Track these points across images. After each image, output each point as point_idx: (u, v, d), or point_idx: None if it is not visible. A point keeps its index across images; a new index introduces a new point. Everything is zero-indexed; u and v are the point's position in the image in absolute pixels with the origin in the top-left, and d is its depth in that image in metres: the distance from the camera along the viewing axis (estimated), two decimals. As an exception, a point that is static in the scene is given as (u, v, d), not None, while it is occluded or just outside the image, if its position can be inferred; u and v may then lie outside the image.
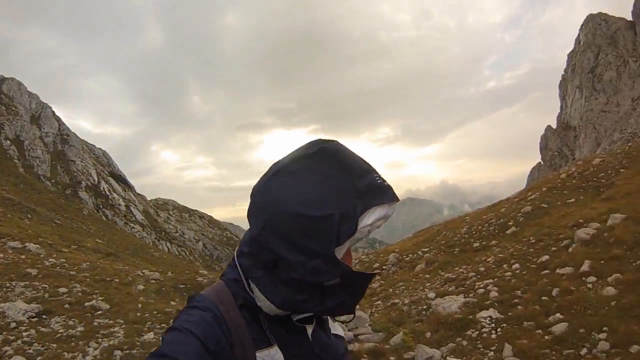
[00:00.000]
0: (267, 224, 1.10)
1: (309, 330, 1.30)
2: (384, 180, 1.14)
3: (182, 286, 17.75)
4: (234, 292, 1.22)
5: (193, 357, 1.05)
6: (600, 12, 68.52)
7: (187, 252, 51.96)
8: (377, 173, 1.14)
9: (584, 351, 6.67)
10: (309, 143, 1.18)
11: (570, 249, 11.13)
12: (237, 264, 1.24)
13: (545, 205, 17.64)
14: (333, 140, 1.17)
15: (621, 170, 19.01)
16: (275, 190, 1.11)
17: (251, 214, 1.16)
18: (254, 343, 1.18)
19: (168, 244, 51.13)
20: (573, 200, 17.38)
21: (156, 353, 1.06)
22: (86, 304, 13.21)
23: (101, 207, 50.87)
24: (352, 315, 1.26)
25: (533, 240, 13.23)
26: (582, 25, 69.45)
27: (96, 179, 54.30)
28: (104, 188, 54.22)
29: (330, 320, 1.43)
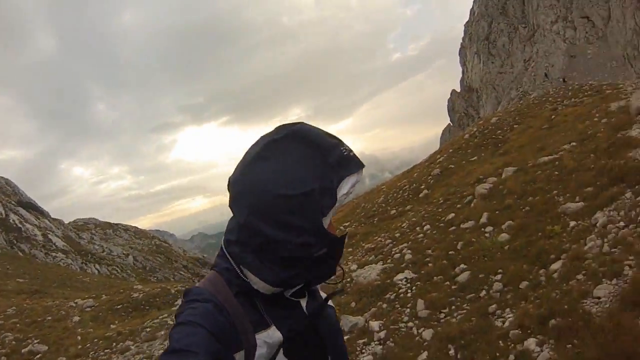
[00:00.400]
0: (252, 209, 1.13)
1: (303, 303, 1.34)
2: (350, 151, 1.19)
3: (118, 307, 17.19)
4: (227, 280, 1.24)
5: (204, 347, 1.06)
6: (491, -16, 72.14)
7: (118, 269, 47.73)
8: (343, 145, 1.19)
9: (482, 293, 7.15)
10: (276, 128, 1.22)
11: (472, 205, 11.75)
12: (227, 253, 1.26)
13: (452, 166, 18.51)
14: (298, 122, 1.21)
15: (514, 126, 20.27)
16: (253, 176, 1.14)
17: (234, 203, 1.20)
18: (253, 326, 1.20)
19: (97, 265, 46.23)
20: (476, 158, 18.37)
21: (169, 350, 1.06)
22: (23, 350, 12.64)
23: (15, 242, 45.21)
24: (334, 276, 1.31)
25: (442, 201, 13.82)
26: (475, -3, 72.85)
27: (3, 212, 48.28)
28: (13, 220, 48.18)
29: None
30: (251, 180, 1.14)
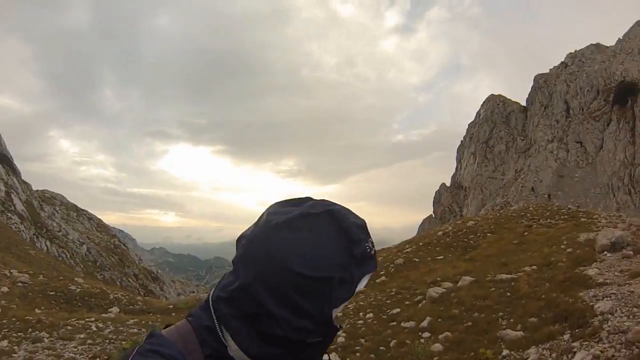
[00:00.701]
0: (261, 276, 1.03)
1: None
2: (374, 248, 1.11)
3: (51, 293, 16.24)
4: (201, 341, 1.09)
5: None
6: (500, 94, 75.63)
7: (68, 254, 43.61)
8: (370, 241, 1.11)
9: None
10: (313, 203, 1.13)
11: (420, 305, 11.43)
12: (212, 309, 1.11)
13: (417, 260, 18.23)
14: (332, 203, 1.13)
15: (488, 234, 20.19)
16: (275, 243, 1.04)
17: (242, 260, 1.07)
18: None
19: (48, 242, 43.42)
20: (442, 257, 18.13)
21: None
22: None
23: (-25, 185, 40.96)
24: None
25: (394, 292, 13.48)
26: (483, 102, 76.29)
27: (-26, 154, 43.67)
28: (-19, 165, 43.71)
29: None
30: (271, 246, 1.04)
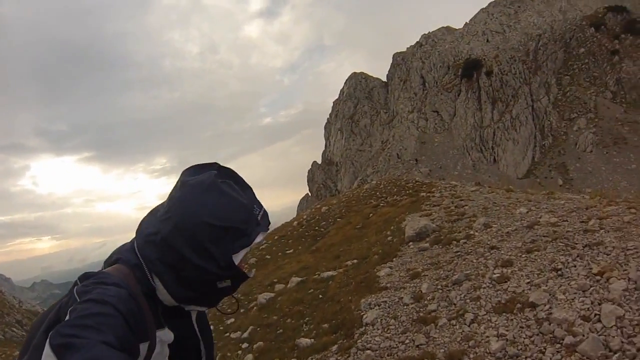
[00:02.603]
0: (178, 227, 1.21)
1: (194, 315, 1.43)
2: (262, 210, 1.34)
3: None
4: (137, 278, 1.24)
5: (115, 329, 1.01)
6: (362, 72, 77.57)
7: None
8: (262, 207, 1.34)
9: None
10: (219, 167, 1.35)
11: (251, 313, 10.85)
12: (139, 254, 1.27)
13: (268, 257, 17.59)
14: (236, 173, 1.36)
15: (338, 219, 19.99)
16: (191, 201, 1.22)
17: (165, 217, 1.24)
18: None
19: None
20: (292, 251, 17.63)
21: (74, 324, 0.98)
22: None
23: None
24: None
25: (234, 301, 12.75)
26: (346, 80, 77.79)
27: None
28: None
29: None
30: (189, 204, 1.22)
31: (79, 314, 1.01)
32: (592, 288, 5.27)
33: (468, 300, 6.22)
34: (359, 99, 72.70)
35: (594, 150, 52.42)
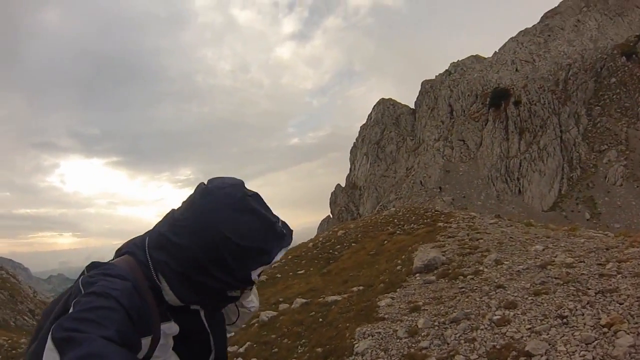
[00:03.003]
0: (199, 235, 1.19)
1: (202, 312, 1.39)
2: (284, 227, 1.33)
3: None
4: (143, 272, 1.23)
5: (117, 324, 1.00)
6: (391, 98, 77.60)
7: None
8: (280, 221, 1.33)
9: None
10: (244, 188, 1.30)
11: (251, 329, 10.65)
12: (147, 252, 1.26)
13: (279, 276, 17.32)
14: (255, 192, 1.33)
15: (353, 244, 19.61)
16: (216, 212, 1.21)
17: (189, 217, 1.23)
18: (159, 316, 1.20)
19: None
20: (303, 271, 17.34)
21: (76, 317, 0.97)
22: None
23: None
24: None
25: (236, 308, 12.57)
26: (375, 105, 77.86)
27: None
28: None
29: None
30: (214, 215, 1.20)
31: (82, 307, 1.00)
32: (596, 341, 4.81)
33: (462, 341, 5.84)
34: (386, 124, 72.53)
35: (624, 184, 50.34)
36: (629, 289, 6.10)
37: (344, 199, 70.06)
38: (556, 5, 79.18)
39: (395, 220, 22.85)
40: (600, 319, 5.30)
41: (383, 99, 77.38)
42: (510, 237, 12.85)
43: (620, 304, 5.65)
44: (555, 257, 9.05)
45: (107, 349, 0.91)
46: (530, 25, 76.83)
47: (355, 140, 79.00)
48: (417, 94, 74.44)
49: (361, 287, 11.21)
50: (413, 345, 6.31)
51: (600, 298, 5.97)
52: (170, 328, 1.25)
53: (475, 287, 7.96)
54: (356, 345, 6.86)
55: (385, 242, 18.12)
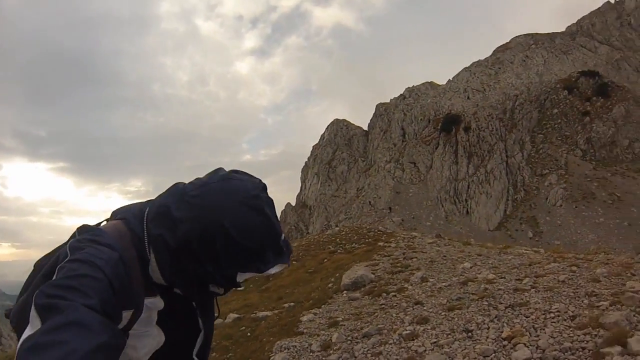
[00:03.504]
0: (199, 220, 1.12)
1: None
2: (287, 247, 1.23)
3: None
4: (133, 242, 1.18)
5: (99, 293, 0.98)
6: (345, 119, 78.52)
7: None
8: (286, 239, 1.24)
9: None
10: (263, 190, 1.23)
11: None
12: (145, 223, 1.21)
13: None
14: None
15: (294, 262, 19.31)
16: (228, 202, 1.13)
17: (192, 202, 1.15)
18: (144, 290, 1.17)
19: None
20: (242, 288, 16.87)
21: (58, 284, 0.96)
22: None
23: None
24: None
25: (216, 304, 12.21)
26: (328, 125, 78.39)
27: None
28: None
29: None
30: (224, 203, 1.13)
31: (65, 274, 0.99)
32: (494, 354, 4.78)
33: (369, 355, 5.79)
34: (339, 145, 72.97)
35: (564, 205, 53.02)
36: (539, 303, 6.15)
37: (294, 218, 69.68)
38: (507, 41, 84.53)
39: (338, 240, 22.77)
40: (502, 332, 5.27)
41: (337, 119, 77.88)
42: (444, 256, 12.98)
43: (527, 317, 5.67)
44: (480, 274, 9.15)
45: (89, 317, 0.90)
46: (482, 58, 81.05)
47: (307, 160, 78.84)
48: (371, 116, 75.57)
49: (292, 304, 11.07)
50: (323, 358, 6.20)
51: (508, 312, 5.99)
52: (154, 303, 1.21)
53: (395, 304, 7.92)
54: (272, 358, 6.77)
55: (325, 260, 17.99)
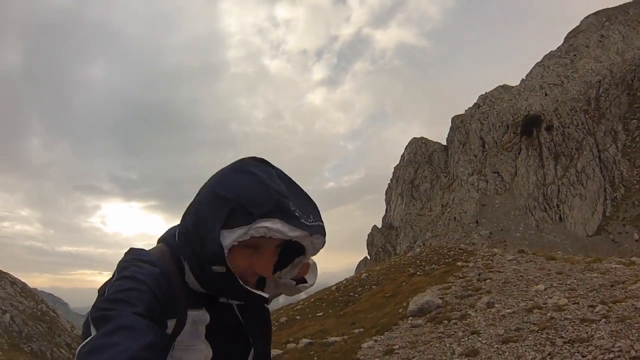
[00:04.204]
0: (193, 203, 1.23)
1: (235, 305, 1.33)
2: (297, 209, 1.17)
3: None
4: (173, 258, 1.23)
5: (145, 303, 1.05)
6: (422, 137, 76.64)
7: None
8: (297, 210, 1.17)
9: None
10: (259, 160, 1.25)
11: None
12: (176, 237, 1.27)
13: (298, 317, 17.17)
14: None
15: (373, 286, 19.21)
16: (216, 174, 1.23)
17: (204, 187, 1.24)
18: (188, 303, 1.20)
19: None
20: (321, 314, 17.11)
21: (108, 298, 1.06)
22: None
23: None
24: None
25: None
26: (407, 145, 76.97)
27: None
28: None
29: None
30: (213, 176, 1.24)
31: (114, 289, 1.08)
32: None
33: None
34: (420, 163, 71.45)
35: (675, 198, 46.84)
36: (603, 338, 5.60)
37: (381, 240, 68.74)
38: (577, 24, 76.53)
39: (418, 261, 22.25)
40: (550, 372, 4.83)
41: (415, 138, 76.53)
42: (520, 275, 12.27)
43: (583, 356, 5.15)
44: (551, 298, 8.54)
45: (136, 321, 1.00)
46: (554, 48, 73.86)
47: (389, 181, 77.93)
48: (448, 130, 73.34)
49: (362, 329, 11.00)
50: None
51: (565, 349, 5.50)
52: (199, 316, 1.24)
53: (452, 332, 7.63)
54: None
55: (404, 283, 17.69)
